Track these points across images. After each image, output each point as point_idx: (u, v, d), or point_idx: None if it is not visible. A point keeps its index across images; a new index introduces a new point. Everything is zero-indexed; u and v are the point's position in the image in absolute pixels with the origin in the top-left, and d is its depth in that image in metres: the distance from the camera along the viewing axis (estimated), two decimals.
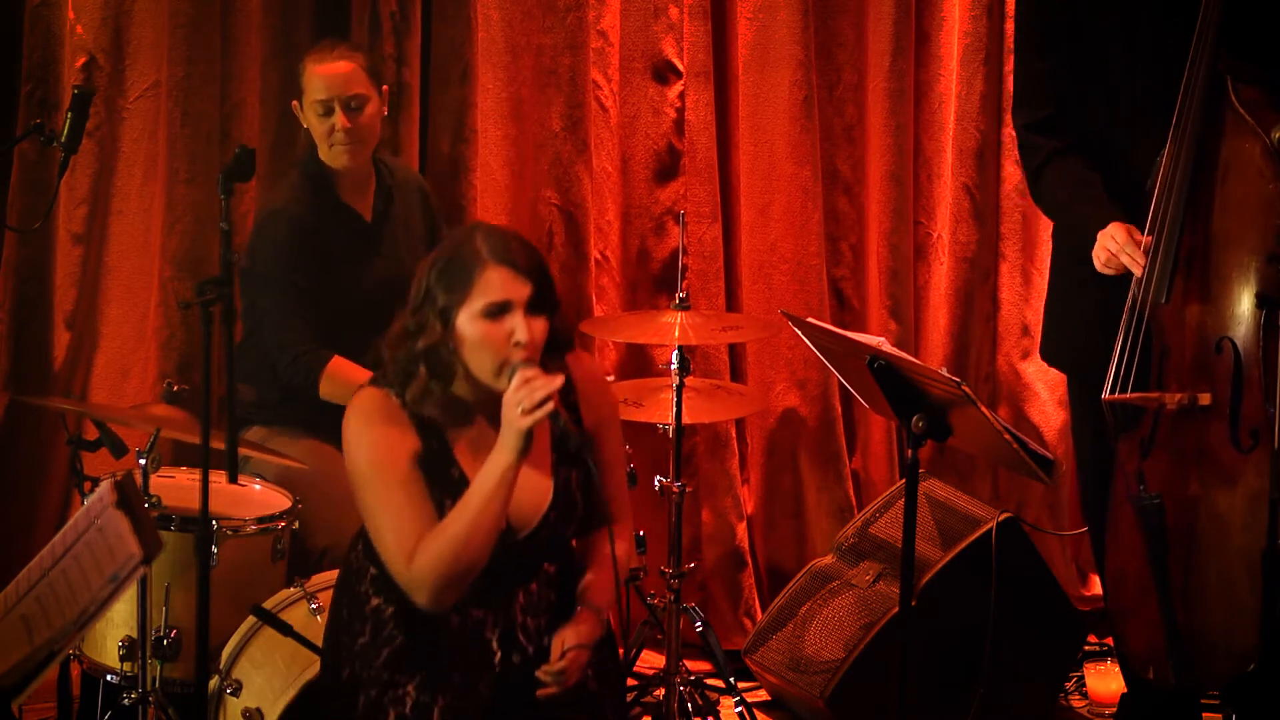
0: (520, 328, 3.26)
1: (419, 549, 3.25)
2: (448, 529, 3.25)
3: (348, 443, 3.37)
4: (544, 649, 3.41)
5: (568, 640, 3.39)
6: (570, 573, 3.49)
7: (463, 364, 3.31)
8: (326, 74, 4.67)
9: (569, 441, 3.32)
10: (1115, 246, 4.11)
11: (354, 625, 3.41)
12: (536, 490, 3.40)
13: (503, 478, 3.25)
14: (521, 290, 3.28)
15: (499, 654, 3.39)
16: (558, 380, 3.26)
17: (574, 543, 3.53)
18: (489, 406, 3.34)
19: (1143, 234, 4.12)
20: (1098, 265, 4.16)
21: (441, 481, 3.35)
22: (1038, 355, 5.43)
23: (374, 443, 3.33)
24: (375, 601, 3.39)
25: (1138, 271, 4.09)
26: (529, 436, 3.25)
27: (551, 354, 3.36)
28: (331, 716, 3.47)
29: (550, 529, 3.41)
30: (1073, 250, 4.35)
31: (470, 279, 3.27)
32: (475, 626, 3.37)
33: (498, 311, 3.27)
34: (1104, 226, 4.17)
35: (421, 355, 3.31)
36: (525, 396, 3.23)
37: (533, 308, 3.29)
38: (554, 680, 3.37)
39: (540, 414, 3.23)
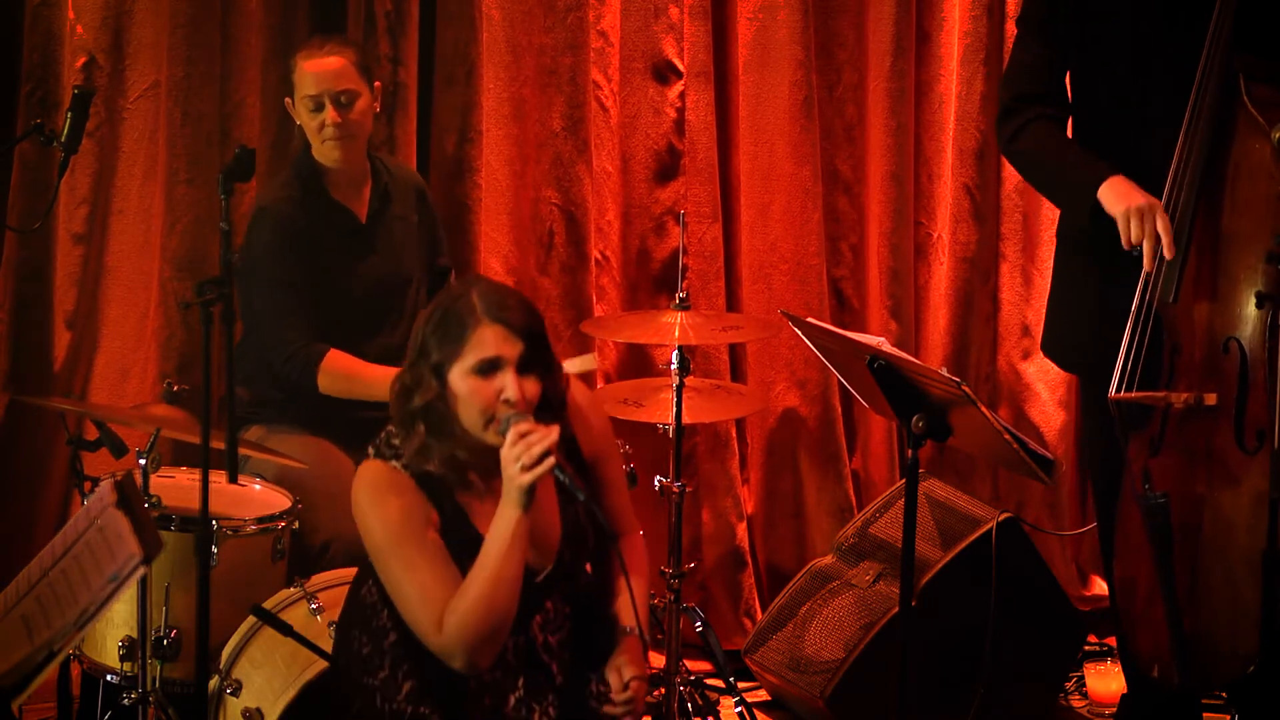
0: (510, 385, 3.27)
1: (447, 613, 3.26)
2: (469, 592, 3.26)
3: (362, 520, 3.37)
4: (566, 664, 3.42)
5: (626, 671, 3.41)
6: (580, 587, 3.50)
7: (457, 420, 3.32)
8: (316, 70, 4.68)
9: (574, 493, 3.31)
10: (1150, 228, 4.07)
11: (372, 660, 3.41)
12: (547, 531, 3.42)
13: (514, 534, 3.26)
14: (513, 349, 3.29)
15: (522, 677, 3.39)
16: (554, 432, 3.27)
17: (589, 567, 3.54)
18: (491, 461, 3.34)
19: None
20: (1124, 231, 4.09)
21: (461, 542, 3.35)
22: (1038, 355, 5.45)
23: (388, 516, 3.33)
24: (394, 637, 3.39)
25: (1169, 254, 4.06)
26: (533, 490, 3.26)
27: (543, 415, 3.35)
28: None
29: (566, 566, 3.44)
30: (1075, 244, 4.36)
31: (464, 335, 3.28)
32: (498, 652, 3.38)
33: (488, 369, 3.28)
34: (1104, 177, 4.16)
35: (420, 412, 3.33)
36: (524, 452, 3.23)
37: (524, 367, 3.30)
38: (625, 711, 3.40)
39: (541, 470, 3.24)
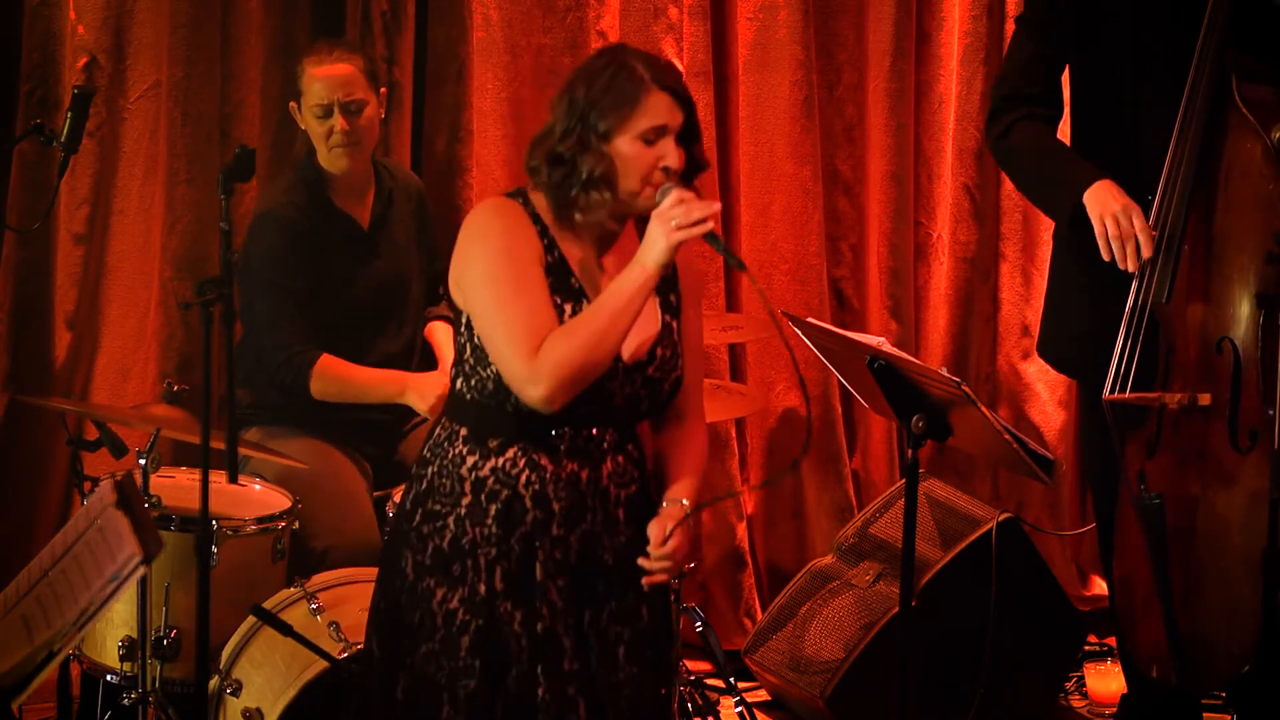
0: (671, 154, 3.31)
1: (548, 342, 3.25)
2: (582, 327, 3.26)
3: (466, 248, 3.35)
4: (614, 521, 3.40)
5: (669, 524, 3.37)
6: (644, 463, 3.50)
7: (614, 184, 3.34)
8: (325, 76, 4.67)
9: (730, 257, 3.32)
10: (1126, 229, 4.08)
11: (455, 491, 3.37)
12: (646, 321, 3.40)
13: (641, 287, 3.26)
14: (677, 117, 3.33)
15: (589, 513, 3.39)
16: (716, 204, 3.32)
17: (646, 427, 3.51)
18: (608, 230, 3.38)
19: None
20: (1101, 238, 4.12)
21: (562, 289, 3.36)
22: (1038, 355, 5.44)
23: (505, 236, 3.33)
24: (472, 460, 3.37)
25: (1147, 252, 4.07)
26: (674, 254, 3.27)
27: (686, 180, 3.38)
28: (396, 618, 3.41)
29: (656, 366, 3.41)
30: (1070, 245, 4.36)
31: (635, 101, 3.30)
32: (571, 478, 3.38)
33: (656, 136, 3.32)
34: (1089, 181, 4.16)
35: (583, 180, 3.32)
36: (682, 214, 3.25)
37: (682, 137, 3.34)
38: (661, 567, 3.35)
39: (696, 231, 3.25)
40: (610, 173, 3.31)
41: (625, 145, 3.31)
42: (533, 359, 3.26)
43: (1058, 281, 4.52)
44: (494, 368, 3.33)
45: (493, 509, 3.35)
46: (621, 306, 3.26)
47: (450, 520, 3.36)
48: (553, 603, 3.35)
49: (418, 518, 3.39)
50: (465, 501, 3.36)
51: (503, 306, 3.30)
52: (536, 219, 3.36)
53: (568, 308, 3.34)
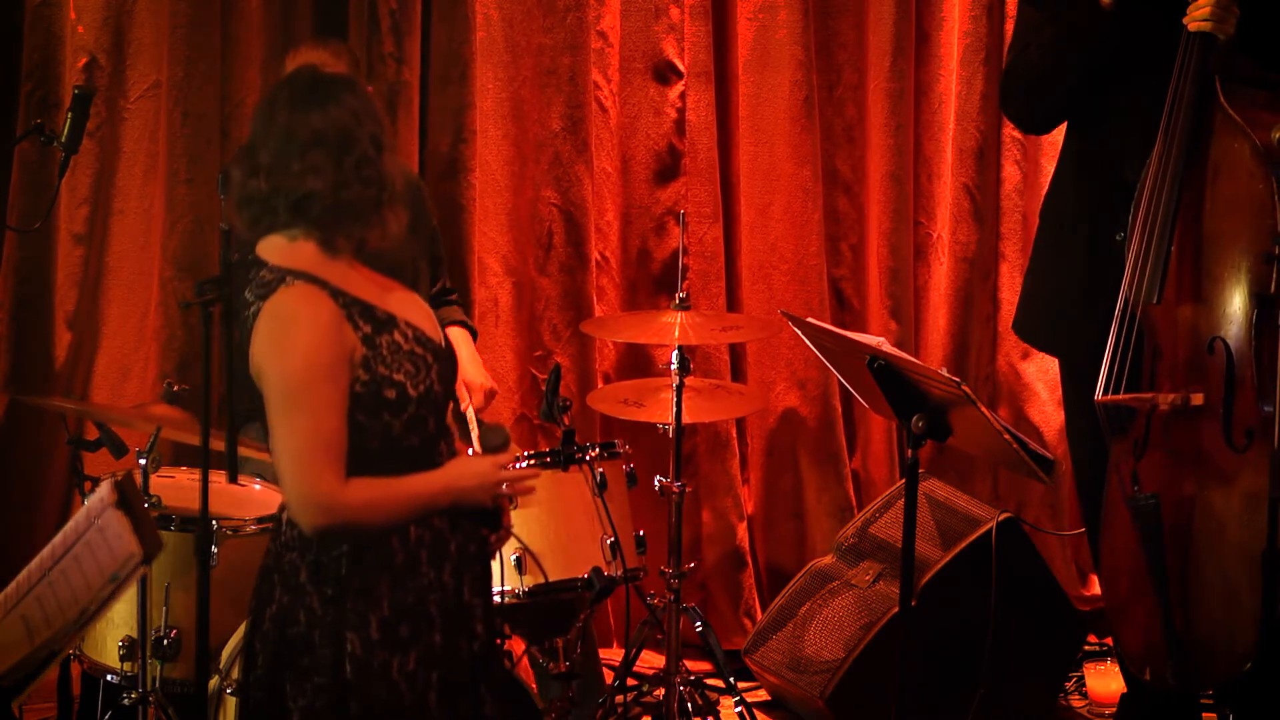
0: None
1: (361, 485, 3.20)
2: (397, 490, 3.24)
3: (277, 345, 3.19)
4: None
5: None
6: None
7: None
8: None
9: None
10: None
11: (383, 555, 3.31)
12: (427, 310, 3.44)
13: (440, 505, 3.30)
14: None
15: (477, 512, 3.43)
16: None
17: None
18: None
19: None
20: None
21: (371, 318, 3.29)
22: (1038, 355, 5.45)
23: (315, 343, 3.19)
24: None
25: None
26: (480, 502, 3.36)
27: None
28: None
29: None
30: (1058, 225, 4.38)
31: None
32: (437, 535, 3.37)
33: None
34: None
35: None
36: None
37: None
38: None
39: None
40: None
41: None
42: (339, 489, 3.19)
43: (1040, 260, 4.54)
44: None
45: (423, 555, 3.33)
46: (425, 504, 3.28)
47: (383, 586, 3.31)
48: (482, 617, 3.38)
49: (350, 599, 3.30)
50: (398, 560, 3.31)
51: (300, 428, 3.18)
52: (337, 294, 3.24)
53: (384, 339, 3.27)
